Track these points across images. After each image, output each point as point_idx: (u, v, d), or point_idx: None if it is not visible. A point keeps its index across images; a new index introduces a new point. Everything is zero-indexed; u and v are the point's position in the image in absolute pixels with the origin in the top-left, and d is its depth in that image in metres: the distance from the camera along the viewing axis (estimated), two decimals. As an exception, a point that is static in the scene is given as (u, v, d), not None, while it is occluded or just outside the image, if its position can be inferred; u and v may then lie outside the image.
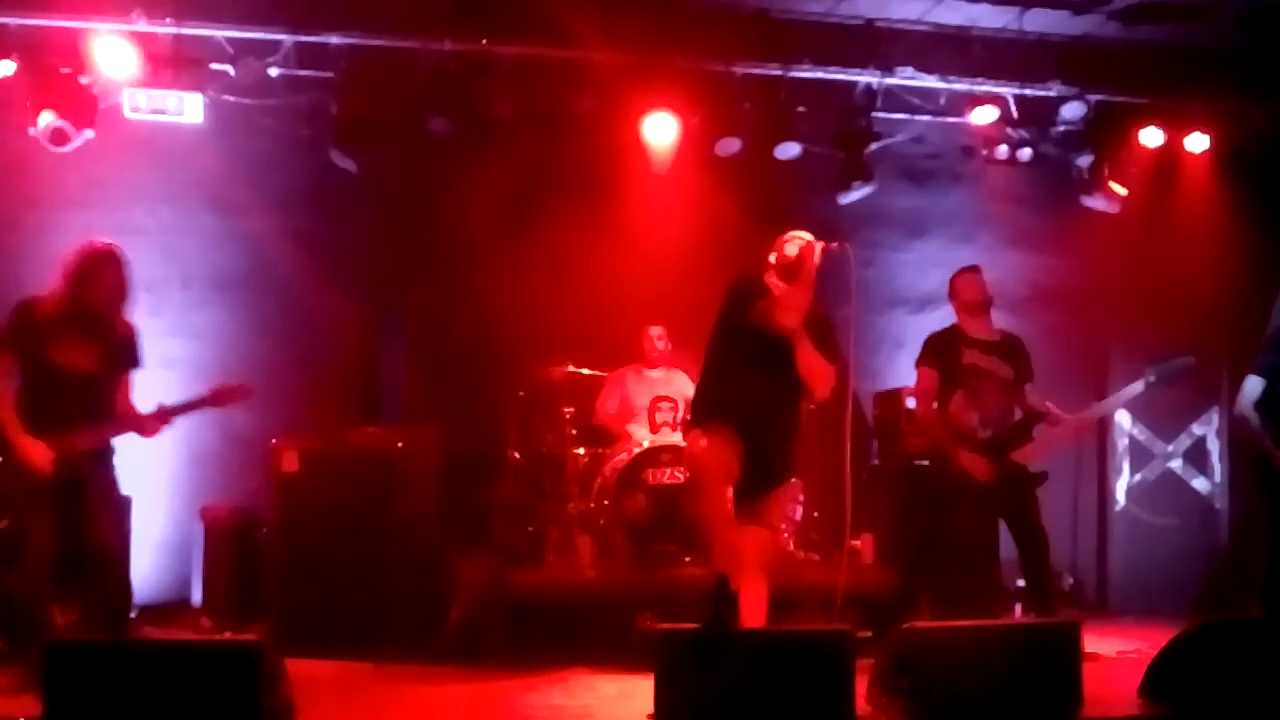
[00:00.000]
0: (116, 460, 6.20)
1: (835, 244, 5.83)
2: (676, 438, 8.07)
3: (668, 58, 9.09)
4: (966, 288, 7.40)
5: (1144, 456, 9.86)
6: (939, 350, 7.32)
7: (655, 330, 8.77)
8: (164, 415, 6.17)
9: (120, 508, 6.21)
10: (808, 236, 5.89)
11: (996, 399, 7.27)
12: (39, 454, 5.88)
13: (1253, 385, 6.74)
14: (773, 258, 5.95)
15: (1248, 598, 6.72)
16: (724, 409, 5.77)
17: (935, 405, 7.26)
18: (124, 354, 6.22)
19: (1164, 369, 7.15)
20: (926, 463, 7.65)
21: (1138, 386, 7.18)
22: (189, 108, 8.78)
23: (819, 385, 5.79)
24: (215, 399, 6.28)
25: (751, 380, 5.77)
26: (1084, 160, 9.82)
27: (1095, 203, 9.87)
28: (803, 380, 5.77)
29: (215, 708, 4.74)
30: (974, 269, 7.49)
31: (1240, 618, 5.56)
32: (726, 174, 9.39)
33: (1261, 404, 6.70)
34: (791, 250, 5.84)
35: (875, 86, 9.54)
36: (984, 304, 7.37)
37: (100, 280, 6.08)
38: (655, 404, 8.63)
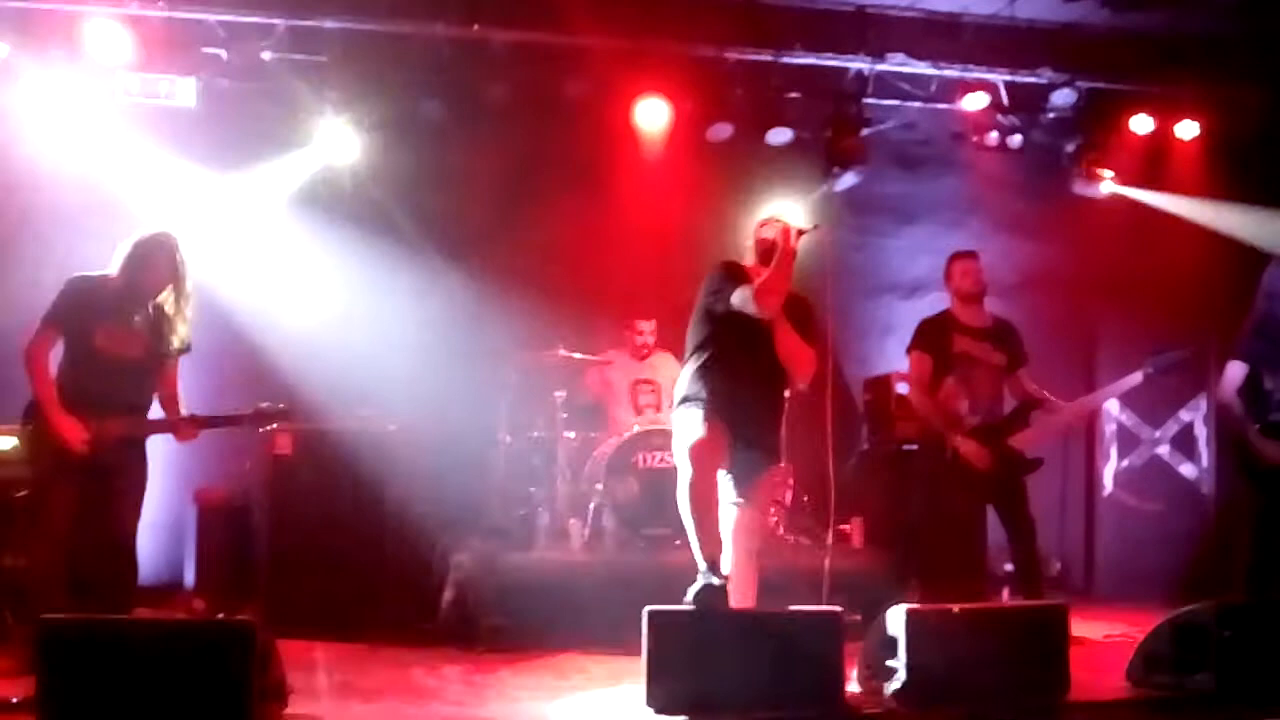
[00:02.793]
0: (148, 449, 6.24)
1: (812, 227, 5.89)
2: (662, 420, 8.11)
3: (660, 43, 9.10)
4: (961, 276, 7.39)
5: (1132, 442, 9.92)
6: (931, 337, 7.34)
7: (644, 325, 8.79)
8: (201, 424, 6.23)
9: (142, 498, 6.21)
10: (784, 220, 5.94)
11: (987, 386, 7.31)
12: (74, 431, 5.89)
13: (1235, 371, 6.79)
14: (751, 242, 5.99)
15: (1232, 582, 6.77)
16: (710, 394, 5.80)
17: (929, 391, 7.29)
18: (172, 342, 6.23)
19: (1161, 361, 7.19)
20: (915, 447, 7.69)
21: (1136, 377, 7.20)
22: (182, 91, 8.75)
23: (799, 368, 5.83)
24: (257, 420, 6.37)
25: (735, 365, 5.81)
26: (1074, 147, 9.86)
27: (1085, 189, 9.90)
28: (784, 363, 5.80)
29: (208, 688, 4.77)
30: (971, 255, 7.46)
31: (1225, 602, 5.60)
32: (718, 159, 9.41)
33: (1244, 390, 6.76)
34: (768, 234, 5.88)
35: (866, 72, 9.56)
36: (978, 294, 7.37)
37: (152, 267, 6.11)
38: (636, 386, 8.69)
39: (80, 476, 5.93)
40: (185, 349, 6.31)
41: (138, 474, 6.18)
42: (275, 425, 6.47)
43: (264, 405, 6.39)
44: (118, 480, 6.05)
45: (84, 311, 6.05)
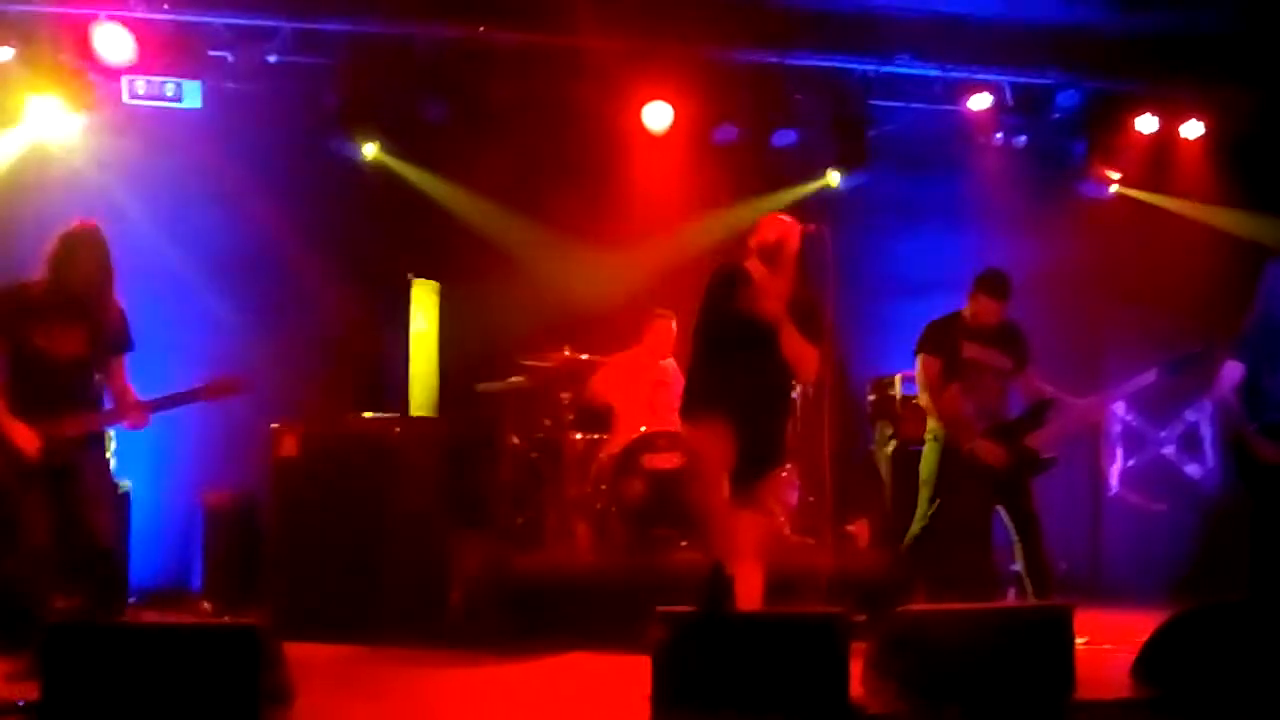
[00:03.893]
0: (107, 445, 6.19)
1: (812, 227, 5.90)
2: (670, 421, 8.11)
3: (665, 45, 9.10)
4: (983, 313, 7.29)
5: (1137, 442, 9.91)
6: (940, 340, 7.31)
7: (667, 318, 8.77)
8: (153, 406, 6.14)
9: (113, 493, 6.18)
10: (786, 220, 5.95)
11: (993, 391, 7.30)
12: (27, 439, 5.83)
13: (1232, 371, 6.78)
14: (752, 242, 5.99)
15: (1237, 581, 6.77)
16: (716, 396, 5.81)
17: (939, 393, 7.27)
18: (112, 336, 6.16)
19: (1176, 359, 7.17)
20: (922, 448, 7.69)
21: (1150, 375, 7.19)
22: (187, 94, 8.78)
23: (805, 368, 5.83)
24: (212, 391, 6.24)
25: (741, 366, 5.81)
26: (1079, 147, 9.86)
27: (1090, 189, 9.90)
28: (789, 364, 5.81)
29: (214, 690, 4.77)
30: (1000, 295, 7.27)
31: (1228, 601, 5.60)
32: (723, 161, 9.42)
33: (1241, 390, 6.75)
34: (770, 234, 5.89)
35: (872, 74, 9.56)
36: (992, 330, 7.33)
37: (80, 261, 6.01)
38: (653, 388, 8.70)
39: (47, 482, 5.88)
40: (127, 345, 6.22)
41: (102, 473, 6.16)
42: (233, 394, 6.27)
43: (220, 376, 6.29)
44: (84, 483, 5.98)
45: (19, 315, 5.96)
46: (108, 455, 6.22)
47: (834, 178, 9.62)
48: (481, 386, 8.59)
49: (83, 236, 6.07)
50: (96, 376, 6.14)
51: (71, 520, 5.94)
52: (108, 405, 6.19)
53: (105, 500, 6.15)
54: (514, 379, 8.54)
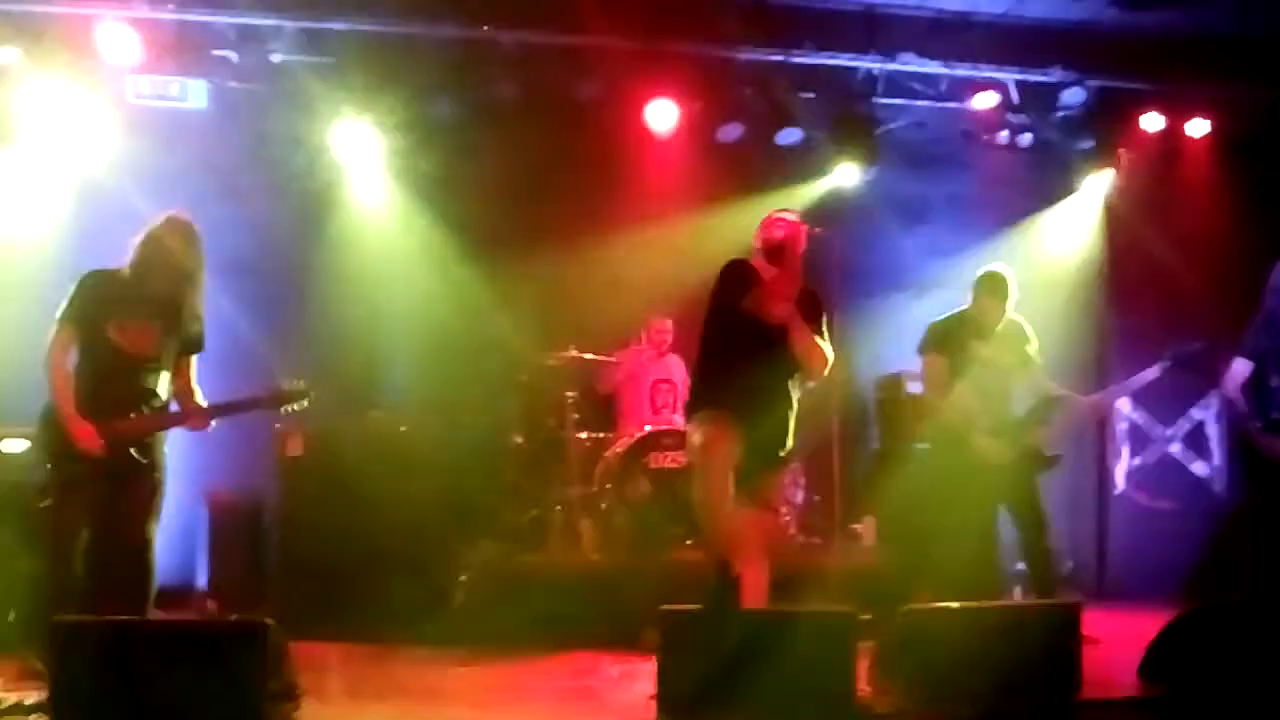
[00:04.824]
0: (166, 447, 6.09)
1: (818, 230, 5.91)
2: (676, 420, 8.13)
3: (670, 44, 9.10)
4: (985, 312, 7.31)
5: (1143, 440, 9.90)
6: (944, 340, 7.31)
7: (664, 324, 8.83)
8: (215, 412, 6.06)
9: (159, 498, 6.08)
10: (791, 218, 5.94)
11: (998, 388, 7.30)
12: (88, 437, 5.72)
13: (1240, 368, 6.78)
14: (758, 240, 5.98)
15: (1243, 580, 6.77)
16: (722, 393, 5.79)
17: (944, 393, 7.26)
18: (186, 336, 6.05)
19: (1180, 354, 7.16)
20: (927, 446, 7.69)
21: (1154, 371, 7.19)
22: (193, 93, 8.78)
23: (815, 365, 5.82)
24: (274, 400, 6.16)
25: (748, 364, 5.79)
26: (1084, 145, 9.85)
27: (1095, 187, 9.89)
28: (799, 361, 5.80)
29: (221, 688, 4.77)
30: (1001, 294, 7.28)
31: (1234, 600, 5.60)
32: (728, 159, 9.41)
33: (1249, 387, 6.75)
34: (776, 233, 5.88)
35: (876, 72, 9.56)
36: (996, 328, 7.32)
37: (164, 257, 5.88)
38: (655, 386, 8.72)
39: (96, 481, 5.78)
40: (198, 346, 6.13)
41: (155, 474, 6.00)
42: (296, 404, 6.16)
43: (280, 386, 6.19)
44: (134, 482, 5.89)
45: (97, 306, 5.84)
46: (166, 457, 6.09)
47: (839, 176, 9.60)
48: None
49: (170, 230, 5.94)
50: (164, 376, 6.02)
51: (114, 523, 5.84)
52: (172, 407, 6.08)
53: (150, 505, 5.99)
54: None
